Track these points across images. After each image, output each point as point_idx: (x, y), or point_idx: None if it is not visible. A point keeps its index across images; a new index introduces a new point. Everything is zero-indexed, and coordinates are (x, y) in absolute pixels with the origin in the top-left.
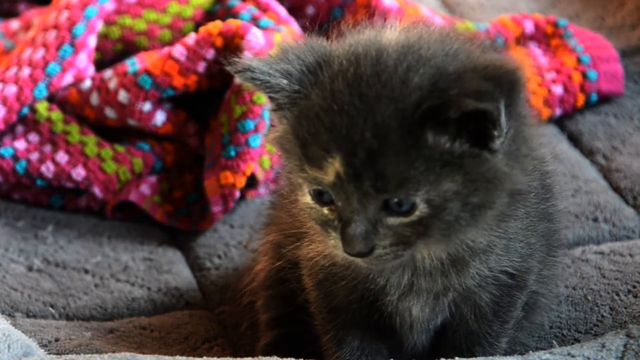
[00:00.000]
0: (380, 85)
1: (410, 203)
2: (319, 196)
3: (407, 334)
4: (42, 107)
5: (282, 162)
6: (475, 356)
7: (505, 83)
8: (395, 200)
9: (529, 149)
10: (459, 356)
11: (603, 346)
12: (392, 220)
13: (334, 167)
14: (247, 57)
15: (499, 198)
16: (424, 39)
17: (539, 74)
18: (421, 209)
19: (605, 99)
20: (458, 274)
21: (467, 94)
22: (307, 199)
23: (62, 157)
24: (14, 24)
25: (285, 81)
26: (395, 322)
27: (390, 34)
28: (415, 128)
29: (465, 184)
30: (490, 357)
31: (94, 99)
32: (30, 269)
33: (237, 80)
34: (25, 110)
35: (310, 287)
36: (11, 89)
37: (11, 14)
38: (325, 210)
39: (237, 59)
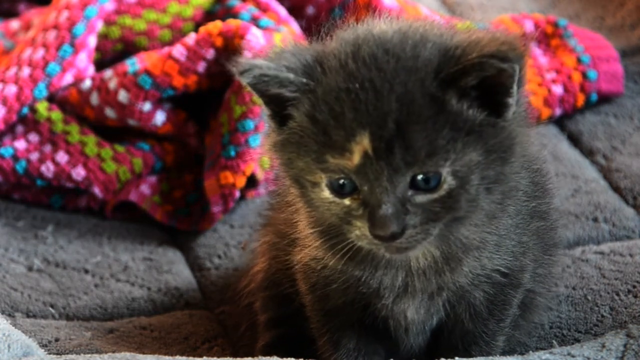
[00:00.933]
0: (395, 60)
1: (437, 177)
2: (339, 188)
3: (402, 337)
4: (42, 107)
5: (284, 167)
6: (473, 356)
7: (517, 49)
8: (422, 176)
9: (528, 121)
10: (457, 357)
11: (603, 346)
12: (421, 198)
13: (361, 147)
14: (247, 57)
15: (510, 170)
16: (414, 25)
17: (539, 74)
18: (449, 181)
19: (605, 99)
20: (452, 272)
21: (491, 54)
22: (326, 193)
23: (62, 157)
24: (14, 24)
25: (292, 75)
26: (390, 325)
27: (381, 25)
28: (438, 95)
29: (484, 154)
30: (490, 357)
31: (94, 99)
32: (30, 269)
33: (242, 81)
34: (25, 110)
35: (304, 290)
36: (11, 89)
37: (11, 14)
38: (347, 201)
39: (239, 60)
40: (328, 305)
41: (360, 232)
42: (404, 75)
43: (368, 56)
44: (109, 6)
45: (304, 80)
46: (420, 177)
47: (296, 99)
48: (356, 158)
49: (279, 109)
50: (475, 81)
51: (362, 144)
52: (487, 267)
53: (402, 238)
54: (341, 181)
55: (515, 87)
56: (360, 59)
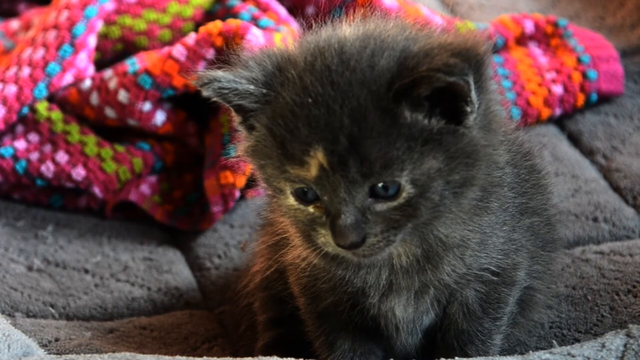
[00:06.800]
0: (349, 72)
1: (396, 186)
2: (303, 195)
3: (393, 336)
4: (42, 107)
5: (258, 172)
6: (470, 355)
7: (472, 58)
8: (381, 185)
9: (498, 124)
10: (453, 356)
11: (603, 346)
12: (381, 207)
13: (316, 160)
14: (209, 70)
15: (478, 174)
16: (382, 27)
17: (539, 74)
18: (407, 190)
19: (605, 98)
20: (434, 270)
21: (437, 69)
22: (291, 200)
23: (62, 157)
24: (14, 24)
25: (252, 86)
26: (381, 324)
27: (348, 28)
28: (391, 108)
29: (446, 161)
30: (490, 357)
31: (94, 98)
32: (30, 269)
33: (204, 93)
34: (25, 110)
35: (297, 293)
36: (11, 89)
37: (11, 14)
38: (311, 209)
39: (199, 73)
40: (320, 307)
41: (325, 240)
42: (357, 89)
43: (323, 69)
44: (109, 6)
45: (264, 91)
46: (379, 185)
47: (257, 109)
48: (313, 171)
49: (245, 118)
50: (428, 92)
51: (317, 158)
52: (474, 266)
53: (364, 246)
54: (304, 189)
55: (473, 94)
56: (316, 71)
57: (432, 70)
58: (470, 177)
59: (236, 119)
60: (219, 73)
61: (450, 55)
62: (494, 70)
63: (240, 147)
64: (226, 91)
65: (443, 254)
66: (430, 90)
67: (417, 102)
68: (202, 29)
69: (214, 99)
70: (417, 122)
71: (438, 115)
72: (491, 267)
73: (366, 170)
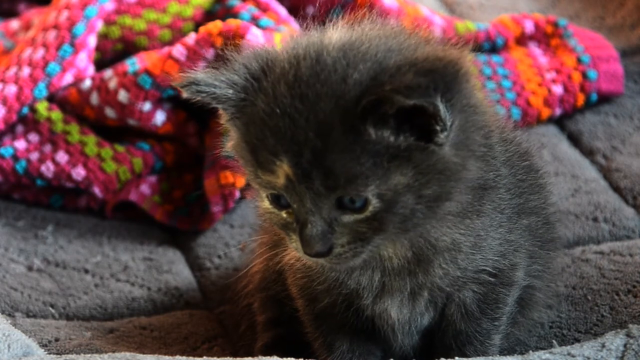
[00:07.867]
0: (320, 84)
1: (363, 199)
2: (277, 200)
3: (390, 337)
4: (42, 107)
5: (244, 169)
6: (468, 356)
7: (441, 77)
8: (348, 197)
9: (484, 137)
10: (452, 357)
11: (603, 346)
12: (347, 218)
13: (283, 170)
14: (192, 71)
15: (455, 189)
16: (367, 35)
17: (539, 74)
18: (374, 204)
19: (605, 98)
20: (424, 273)
21: (398, 90)
22: (266, 204)
23: (62, 157)
24: (14, 24)
25: (230, 91)
26: (378, 325)
27: (333, 33)
28: (357, 124)
29: (416, 177)
30: (490, 357)
31: (94, 98)
32: (30, 269)
33: (184, 94)
34: (25, 110)
35: (295, 294)
36: (11, 89)
37: (11, 14)
38: (284, 214)
39: (182, 74)
40: (317, 308)
41: (296, 245)
42: (325, 103)
43: (295, 80)
44: (109, 6)
45: (242, 96)
46: (347, 197)
47: (235, 113)
48: (281, 179)
49: (230, 117)
50: (393, 110)
51: (283, 168)
52: (469, 268)
53: (331, 256)
54: (277, 194)
55: (442, 114)
56: (288, 81)
57: (394, 91)
58: (445, 192)
59: (224, 116)
60: (199, 75)
61: (418, 74)
62: (493, 70)
63: (228, 144)
64: (204, 94)
65: (433, 257)
66: (395, 109)
67: (383, 119)
68: (202, 29)
69: (196, 99)
70: (382, 139)
71: (407, 132)
72: (488, 269)
73: (331, 183)
